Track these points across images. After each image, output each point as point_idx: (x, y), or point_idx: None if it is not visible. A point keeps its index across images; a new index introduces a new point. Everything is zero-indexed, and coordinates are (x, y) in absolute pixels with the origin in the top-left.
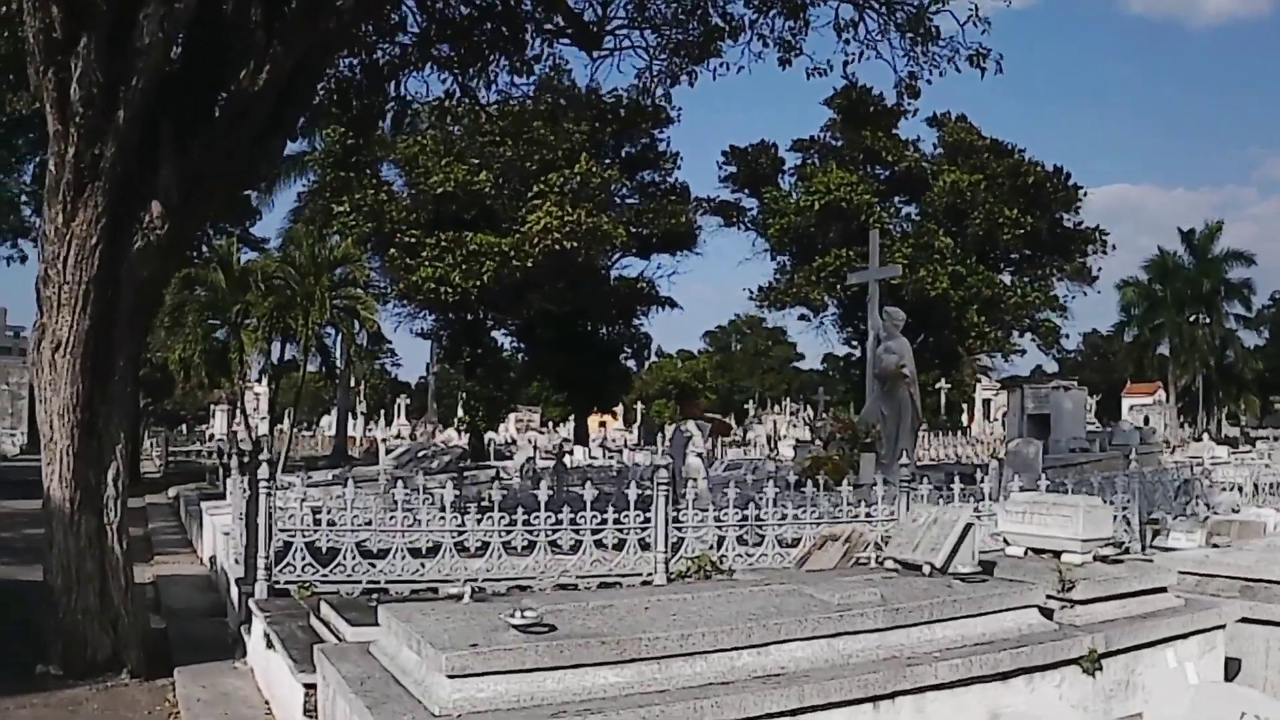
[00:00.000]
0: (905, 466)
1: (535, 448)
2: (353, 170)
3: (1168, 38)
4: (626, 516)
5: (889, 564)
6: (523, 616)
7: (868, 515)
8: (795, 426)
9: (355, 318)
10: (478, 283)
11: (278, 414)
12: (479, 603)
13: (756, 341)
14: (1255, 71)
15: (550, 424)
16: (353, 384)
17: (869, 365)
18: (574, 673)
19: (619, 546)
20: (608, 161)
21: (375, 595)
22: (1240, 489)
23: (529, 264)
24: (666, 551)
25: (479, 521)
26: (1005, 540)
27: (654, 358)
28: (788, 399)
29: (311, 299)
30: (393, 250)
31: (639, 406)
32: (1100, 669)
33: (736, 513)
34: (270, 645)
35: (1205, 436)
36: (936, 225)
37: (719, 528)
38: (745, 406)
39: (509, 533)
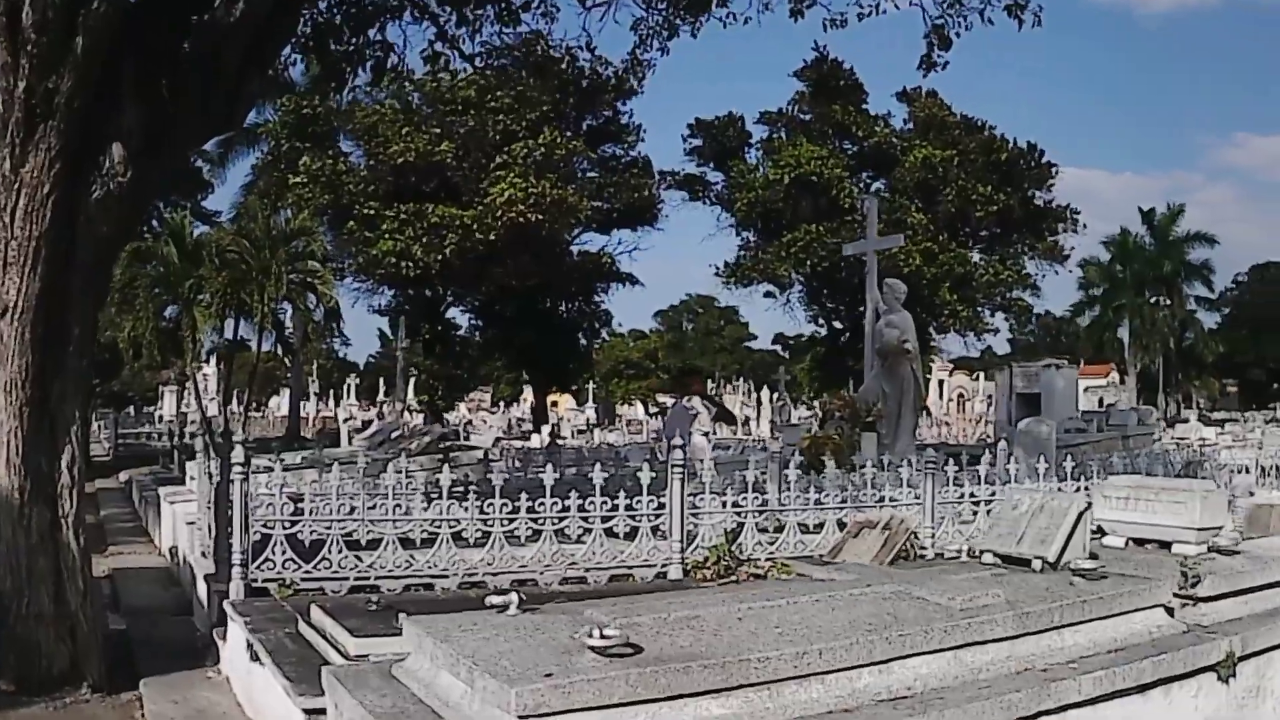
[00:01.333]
0: (928, 447)
1: (509, 428)
2: (308, 141)
3: (1117, 23)
4: (639, 502)
5: (986, 558)
6: (602, 636)
7: (893, 500)
8: (749, 407)
9: (313, 293)
10: (439, 256)
11: (228, 395)
12: (528, 614)
13: (709, 321)
14: (1204, 59)
15: (501, 404)
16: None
17: (868, 341)
18: (671, 706)
19: (630, 535)
20: (569, 134)
21: (374, 598)
22: (1248, 471)
23: (492, 237)
24: (682, 540)
25: (480, 509)
26: (1100, 529)
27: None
28: (741, 379)
29: (267, 273)
30: (351, 223)
31: (590, 386)
32: (1234, 675)
33: (756, 497)
34: (256, 658)
35: (1192, 418)
36: (908, 201)
37: (738, 514)
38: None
39: (511, 521)
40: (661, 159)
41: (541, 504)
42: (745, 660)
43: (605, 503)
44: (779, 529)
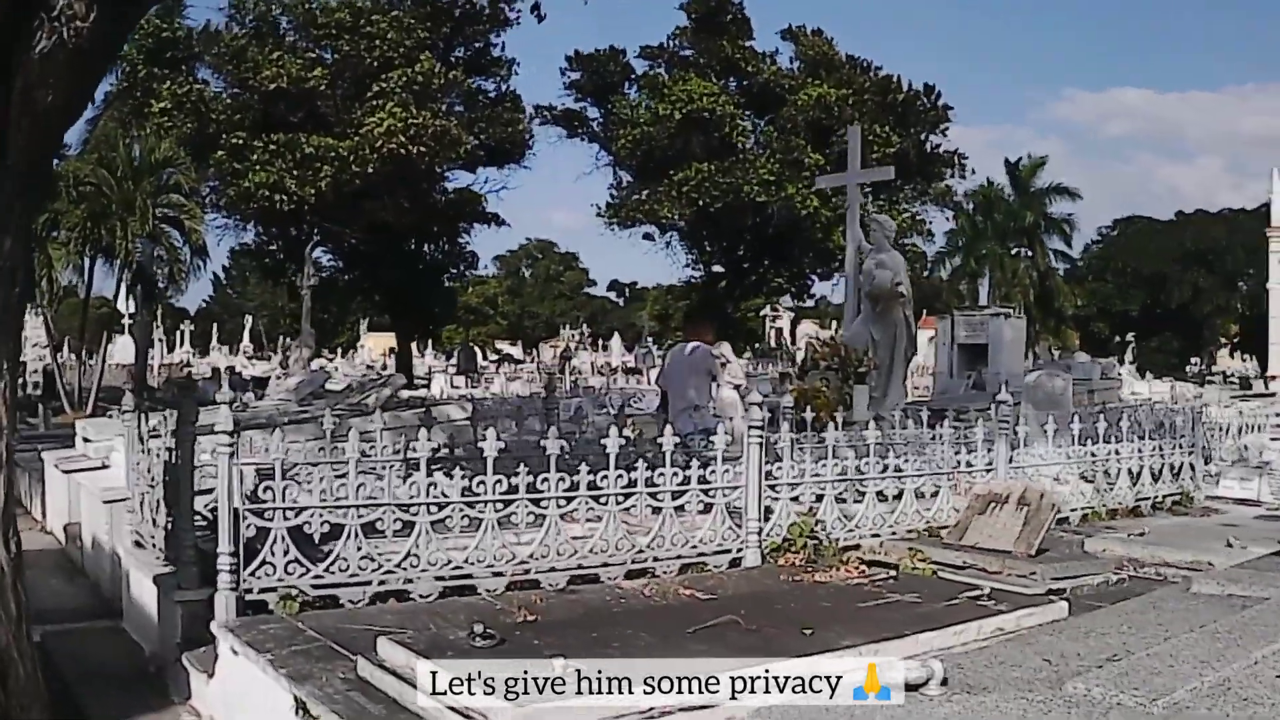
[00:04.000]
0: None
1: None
2: (166, 67)
3: None
4: (714, 473)
5: None
6: None
7: (968, 464)
8: (587, 350)
9: (179, 229)
10: (314, 190)
11: (57, 342)
12: None
13: (548, 266)
14: (1033, 12)
15: (339, 351)
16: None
17: (849, 282)
18: None
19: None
20: (440, 67)
21: (481, 628)
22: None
23: (370, 170)
24: (760, 519)
25: (532, 486)
26: None
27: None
28: (585, 325)
29: (131, 207)
30: (220, 153)
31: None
32: None
33: (836, 464)
34: None
35: (1148, 375)
36: (803, 141)
37: (818, 485)
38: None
39: (569, 500)
40: (537, 94)
41: (605, 478)
42: None
43: (675, 474)
44: (859, 501)
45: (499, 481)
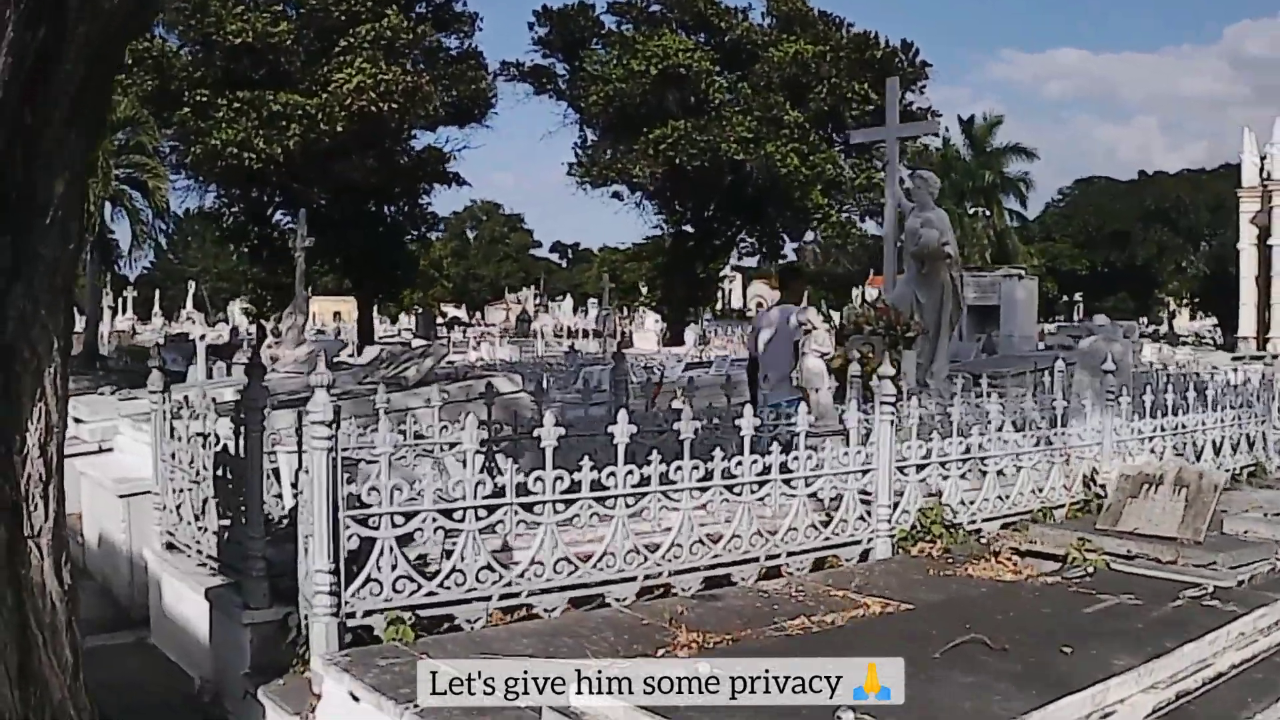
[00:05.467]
0: None
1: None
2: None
3: None
4: (846, 455)
5: None
6: None
7: (1079, 436)
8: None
9: (142, 191)
10: (282, 149)
11: None
12: None
13: (493, 228)
14: None
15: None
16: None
17: (888, 242)
18: None
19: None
20: (407, 22)
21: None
22: None
23: (339, 128)
24: (890, 506)
25: (665, 476)
26: None
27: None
28: (528, 288)
29: (92, 168)
30: (185, 110)
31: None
32: None
33: (959, 442)
34: None
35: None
36: (782, 98)
37: (943, 465)
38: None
39: (705, 492)
40: (504, 50)
41: (740, 464)
42: None
43: (809, 457)
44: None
45: (630, 471)
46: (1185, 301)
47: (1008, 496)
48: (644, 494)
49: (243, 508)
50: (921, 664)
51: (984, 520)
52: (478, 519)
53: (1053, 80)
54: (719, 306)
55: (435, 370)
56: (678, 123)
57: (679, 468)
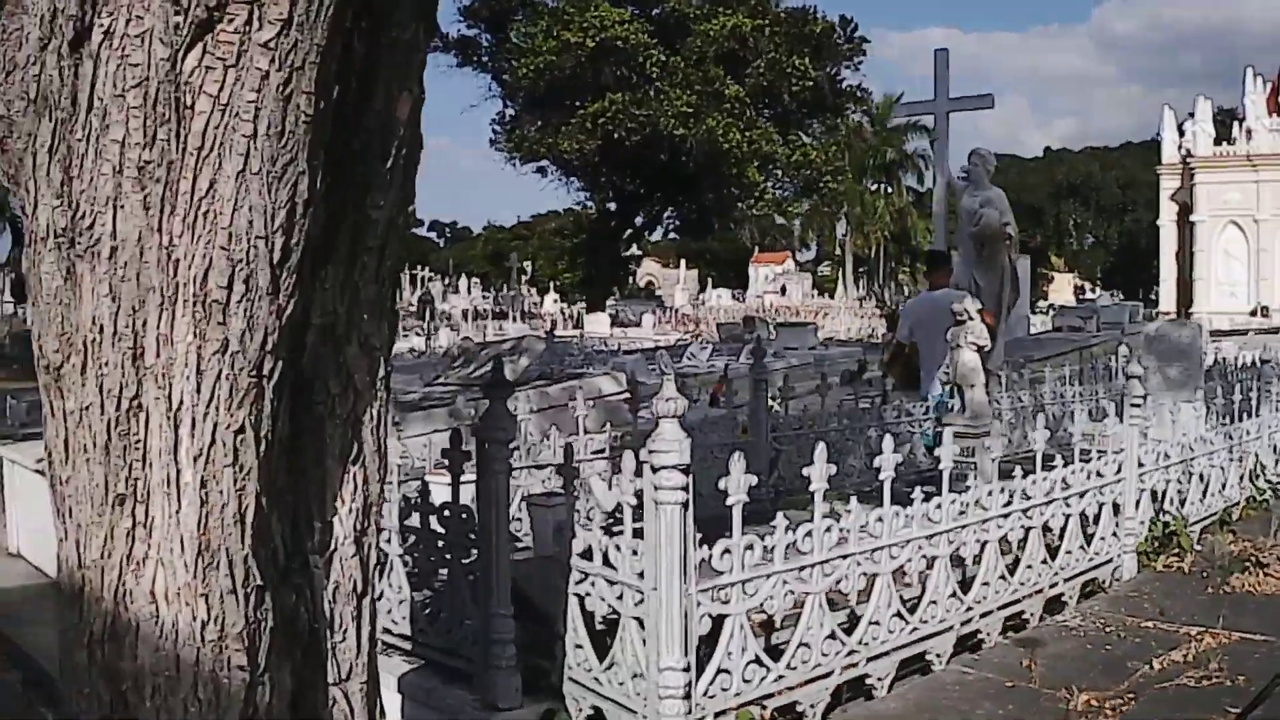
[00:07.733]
0: None
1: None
2: None
3: None
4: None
5: None
6: None
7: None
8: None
9: None
10: None
11: None
12: None
13: None
14: None
15: None
16: None
17: (939, 221)
18: None
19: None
20: None
21: None
22: None
23: None
24: (1138, 519)
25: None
26: None
27: None
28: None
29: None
30: None
31: None
32: None
33: (1177, 444)
34: None
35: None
36: (723, 71)
37: (1166, 467)
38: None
39: (1004, 520)
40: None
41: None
42: None
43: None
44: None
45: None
46: (1094, 277)
47: (1203, 498)
48: (963, 526)
49: (470, 575)
50: None
51: (1186, 526)
52: (825, 576)
53: (922, 58)
54: (635, 286)
55: (529, 370)
56: (615, 96)
57: (991, 492)
